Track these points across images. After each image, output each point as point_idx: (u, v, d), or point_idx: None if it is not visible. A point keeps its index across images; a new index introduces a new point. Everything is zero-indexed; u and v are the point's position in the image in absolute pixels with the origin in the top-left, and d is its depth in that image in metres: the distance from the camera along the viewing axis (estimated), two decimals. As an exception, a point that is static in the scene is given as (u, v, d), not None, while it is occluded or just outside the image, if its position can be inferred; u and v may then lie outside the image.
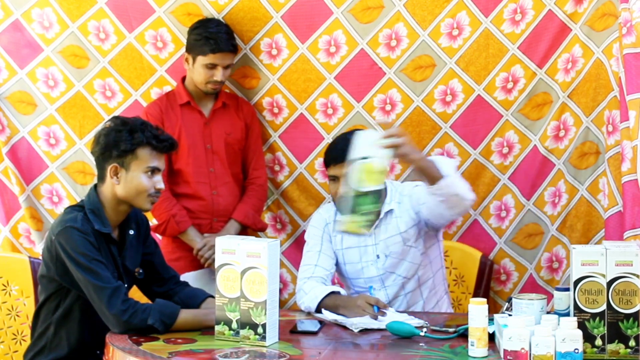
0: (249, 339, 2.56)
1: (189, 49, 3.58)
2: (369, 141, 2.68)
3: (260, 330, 2.55)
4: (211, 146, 3.64)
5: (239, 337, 2.58)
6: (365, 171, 2.65)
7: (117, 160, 2.83)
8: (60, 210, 3.79)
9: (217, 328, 2.62)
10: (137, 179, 2.83)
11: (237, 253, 2.58)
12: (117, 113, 3.80)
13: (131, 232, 2.96)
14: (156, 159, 2.85)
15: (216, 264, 2.63)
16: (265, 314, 2.54)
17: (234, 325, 2.59)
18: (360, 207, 2.65)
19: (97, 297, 2.72)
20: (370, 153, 2.66)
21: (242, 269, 2.57)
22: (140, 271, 2.98)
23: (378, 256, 3.14)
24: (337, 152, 3.06)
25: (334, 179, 3.09)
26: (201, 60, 3.53)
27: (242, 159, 3.73)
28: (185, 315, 2.75)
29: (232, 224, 3.63)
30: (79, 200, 3.69)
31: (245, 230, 3.67)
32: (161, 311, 2.72)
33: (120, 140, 2.82)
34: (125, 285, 2.83)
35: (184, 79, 3.67)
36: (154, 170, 2.85)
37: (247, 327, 2.57)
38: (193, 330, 2.73)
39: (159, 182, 2.86)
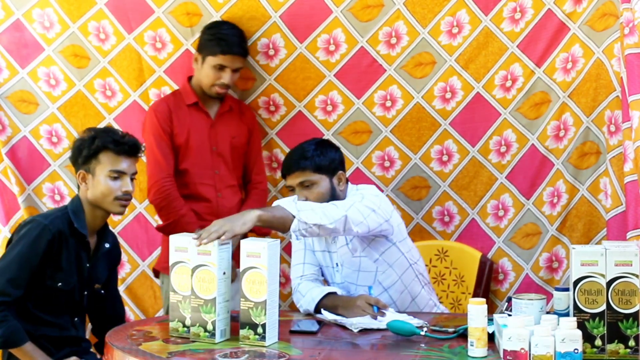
0: (249, 338, 2.56)
1: (200, 49, 3.58)
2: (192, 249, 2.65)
3: (260, 330, 2.55)
4: (217, 148, 3.64)
5: (240, 336, 2.57)
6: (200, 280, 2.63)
7: (84, 167, 2.98)
8: (63, 208, 3.82)
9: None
10: (102, 183, 2.94)
11: (242, 252, 2.57)
12: (117, 112, 3.82)
13: (107, 245, 3.09)
14: (121, 162, 2.96)
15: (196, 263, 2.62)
16: (265, 314, 2.54)
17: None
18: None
19: None
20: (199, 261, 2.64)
21: (242, 269, 2.57)
22: (102, 291, 3.10)
23: (337, 264, 3.14)
24: (290, 162, 3.10)
25: (292, 189, 3.11)
26: (211, 60, 3.53)
27: (244, 163, 3.74)
28: (28, 348, 2.86)
29: None
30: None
31: (247, 233, 3.66)
32: (13, 331, 2.83)
33: (83, 148, 2.97)
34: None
35: (189, 79, 3.67)
36: (118, 174, 2.94)
37: (247, 327, 2.56)
38: None
39: (125, 185, 2.96)
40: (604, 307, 2.36)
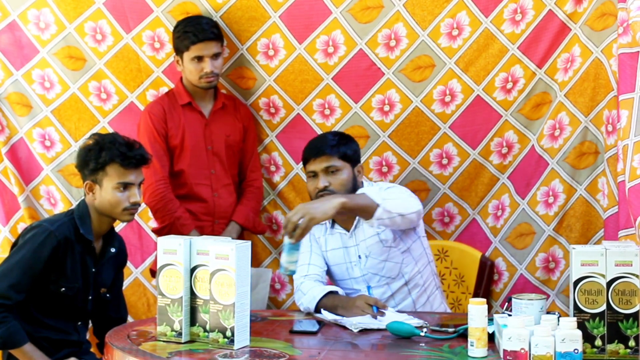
0: (218, 342, 2.51)
1: (175, 51, 3.60)
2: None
3: (228, 333, 2.50)
4: (212, 147, 3.64)
5: (209, 339, 2.55)
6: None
7: (90, 178, 2.97)
8: (57, 212, 3.78)
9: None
10: (110, 195, 2.95)
11: (210, 254, 2.54)
12: (112, 115, 3.81)
13: (112, 250, 3.08)
14: (127, 174, 2.96)
15: (191, 265, 2.60)
16: (233, 317, 2.49)
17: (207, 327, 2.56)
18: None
19: None
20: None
21: (211, 271, 2.53)
22: (108, 295, 3.09)
23: (360, 257, 3.15)
24: (317, 146, 3.13)
25: (313, 175, 3.13)
26: (187, 55, 3.54)
27: (239, 161, 3.73)
28: (28, 349, 2.86)
29: (233, 226, 3.63)
30: (74, 202, 3.71)
31: (243, 232, 3.66)
32: (12, 332, 2.83)
33: (89, 160, 2.96)
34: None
35: (182, 79, 3.66)
36: (126, 185, 2.95)
37: (216, 330, 2.52)
38: None
39: (133, 195, 2.96)
40: (604, 307, 2.36)
